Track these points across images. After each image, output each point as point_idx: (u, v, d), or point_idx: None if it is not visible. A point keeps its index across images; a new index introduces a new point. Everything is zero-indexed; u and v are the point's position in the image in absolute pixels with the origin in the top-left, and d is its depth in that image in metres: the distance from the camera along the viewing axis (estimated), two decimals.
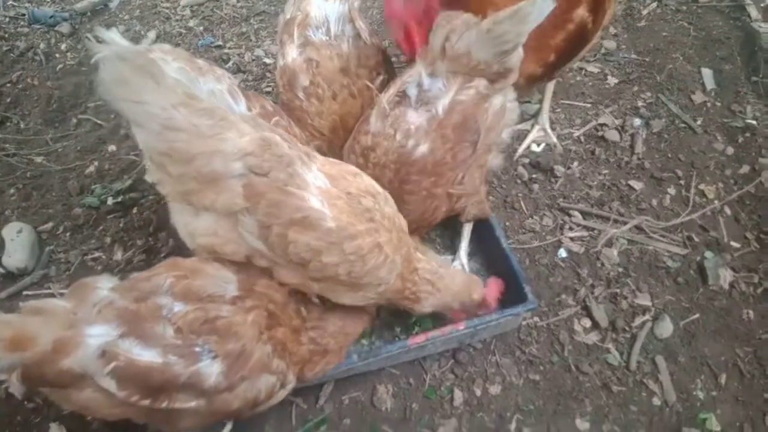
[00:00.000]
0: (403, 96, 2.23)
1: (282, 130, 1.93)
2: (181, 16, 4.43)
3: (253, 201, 1.68)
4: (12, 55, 4.22)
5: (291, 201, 1.70)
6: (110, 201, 3.15)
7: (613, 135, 3.28)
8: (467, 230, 2.70)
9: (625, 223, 2.86)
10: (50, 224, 3.11)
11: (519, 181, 3.14)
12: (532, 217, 2.97)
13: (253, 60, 4.01)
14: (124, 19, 4.45)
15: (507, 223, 2.95)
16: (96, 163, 3.43)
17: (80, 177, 3.36)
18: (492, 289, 2.33)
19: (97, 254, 2.93)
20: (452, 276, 2.23)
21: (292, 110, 2.51)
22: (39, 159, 3.52)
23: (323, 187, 1.80)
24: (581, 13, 2.47)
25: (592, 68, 3.69)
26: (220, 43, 4.18)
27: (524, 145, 3.25)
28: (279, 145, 1.72)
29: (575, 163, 3.18)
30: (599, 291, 2.65)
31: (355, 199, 1.86)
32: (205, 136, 1.64)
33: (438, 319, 2.52)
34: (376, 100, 2.31)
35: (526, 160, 3.21)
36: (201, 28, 4.32)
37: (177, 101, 1.62)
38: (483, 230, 2.66)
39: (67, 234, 3.05)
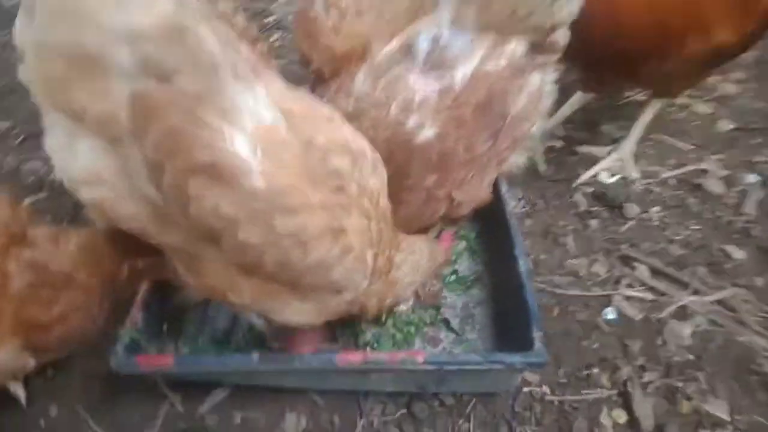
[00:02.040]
0: (407, 52, 1.59)
1: (228, 28, 1.28)
2: None
3: (139, 121, 1.02)
4: None
5: (198, 133, 1.03)
6: None
7: (715, 186, 2.43)
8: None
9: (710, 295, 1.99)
10: None
11: (572, 211, 2.36)
12: (578, 258, 2.17)
13: None
14: None
15: (541, 257, 2.17)
16: None
17: None
18: (445, 238, 1.95)
19: None
20: (421, 254, 1.63)
21: (304, 23, 1.98)
22: None
23: (268, 124, 1.12)
24: None
25: (703, 108, 2.87)
26: None
27: (591, 172, 2.48)
28: (202, 38, 1.02)
29: (656, 208, 2.36)
30: (652, 377, 1.78)
31: (318, 153, 1.19)
32: None
33: (400, 344, 1.78)
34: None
35: (589, 189, 2.43)
36: None
37: None
38: (497, 244, 1.91)
39: None
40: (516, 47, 1.55)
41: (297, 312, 1.39)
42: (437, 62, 1.55)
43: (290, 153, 1.14)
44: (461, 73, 1.53)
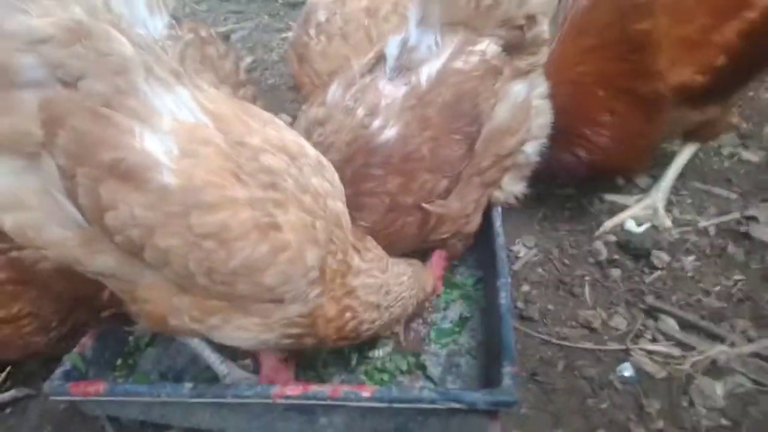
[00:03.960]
0: (380, 59, 1.59)
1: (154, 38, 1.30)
2: None
3: (49, 129, 0.99)
4: None
5: (105, 133, 1.01)
6: None
7: (764, 233, 2.11)
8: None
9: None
10: None
11: (591, 260, 2.11)
12: (593, 310, 1.91)
13: None
14: None
15: (549, 307, 1.93)
16: None
17: None
18: (436, 264, 1.76)
19: None
20: (399, 278, 1.51)
21: (298, 47, 2.16)
22: None
23: (191, 123, 1.10)
24: None
25: (751, 156, 2.58)
26: None
27: (617, 219, 2.25)
28: (109, 37, 1.01)
29: (690, 257, 2.06)
30: None
31: (249, 152, 1.16)
32: None
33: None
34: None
35: (612, 238, 2.19)
36: None
37: None
38: (492, 287, 1.72)
39: None
40: (488, 45, 1.48)
41: (240, 327, 1.28)
42: (405, 65, 1.51)
43: (213, 150, 1.10)
44: (427, 71, 1.47)
